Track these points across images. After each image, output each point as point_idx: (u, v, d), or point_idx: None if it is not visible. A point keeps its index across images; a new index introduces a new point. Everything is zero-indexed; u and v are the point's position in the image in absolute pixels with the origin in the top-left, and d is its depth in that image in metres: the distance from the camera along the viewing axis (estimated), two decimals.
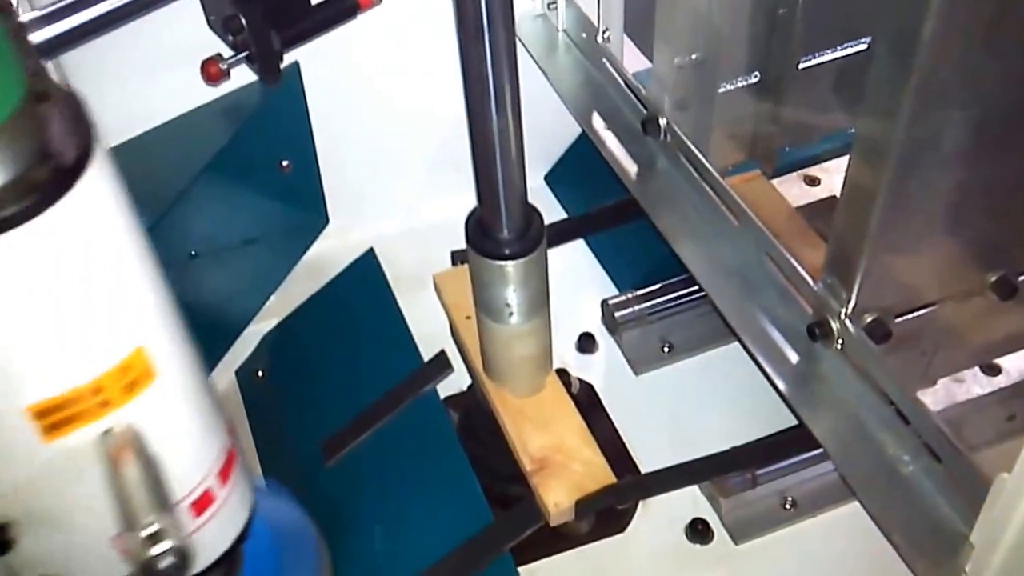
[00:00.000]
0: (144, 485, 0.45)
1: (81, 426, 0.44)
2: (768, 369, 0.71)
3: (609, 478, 0.77)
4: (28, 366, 0.42)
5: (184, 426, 0.49)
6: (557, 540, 0.82)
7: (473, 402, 0.89)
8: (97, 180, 0.41)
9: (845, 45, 0.79)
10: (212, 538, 0.53)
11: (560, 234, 0.97)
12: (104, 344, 0.44)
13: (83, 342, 0.43)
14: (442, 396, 0.91)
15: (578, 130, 1.02)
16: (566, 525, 0.78)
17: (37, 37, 0.71)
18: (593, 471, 0.77)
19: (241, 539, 0.56)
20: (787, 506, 0.81)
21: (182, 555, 0.44)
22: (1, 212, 0.38)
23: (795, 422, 0.79)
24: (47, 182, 0.39)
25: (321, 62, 0.93)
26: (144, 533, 0.44)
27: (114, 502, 0.45)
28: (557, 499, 0.76)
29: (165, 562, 0.44)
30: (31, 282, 0.40)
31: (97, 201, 0.42)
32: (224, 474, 0.53)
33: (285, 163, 0.99)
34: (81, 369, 0.43)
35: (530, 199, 0.72)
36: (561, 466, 0.77)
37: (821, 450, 0.69)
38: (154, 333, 0.46)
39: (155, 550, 0.44)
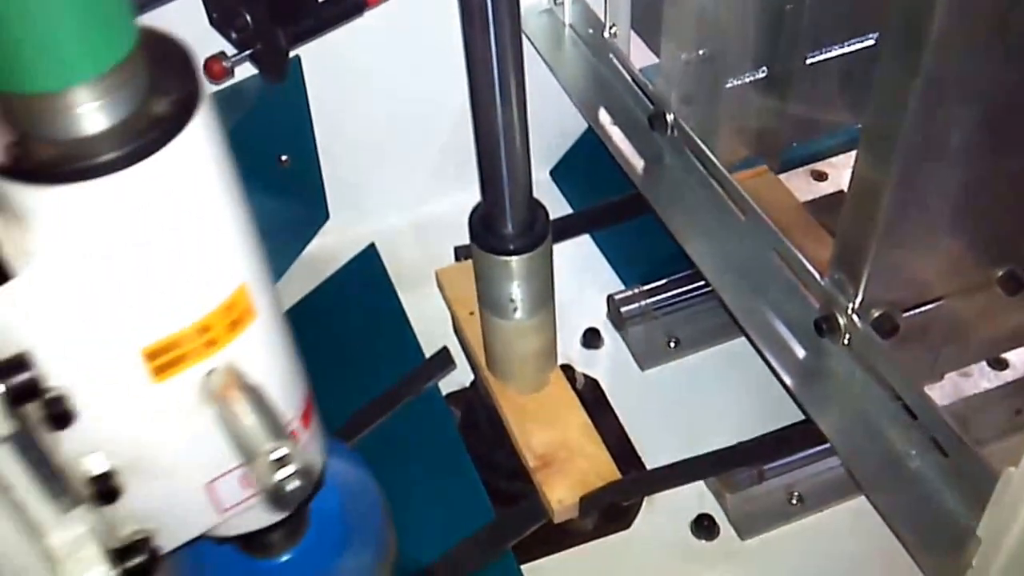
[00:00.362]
0: (259, 415, 0.46)
1: (188, 366, 0.46)
2: (775, 364, 0.72)
3: (614, 474, 0.77)
4: (143, 307, 0.43)
5: (277, 365, 0.51)
6: (560, 537, 0.83)
7: (476, 399, 0.89)
8: (206, 116, 0.43)
9: (853, 41, 0.80)
10: None
11: (565, 229, 0.98)
12: (212, 282, 0.45)
13: (194, 280, 0.45)
14: (444, 392, 0.92)
15: (584, 124, 1.02)
16: (571, 522, 0.79)
17: None
18: (598, 467, 0.78)
19: (316, 488, 0.57)
20: (794, 501, 0.81)
21: (307, 476, 0.45)
22: (125, 147, 0.40)
23: (802, 417, 0.80)
24: (167, 117, 0.41)
25: (322, 56, 0.93)
26: (272, 457, 0.45)
27: (230, 437, 0.47)
28: (561, 496, 0.76)
29: (292, 484, 0.45)
30: (151, 218, 0.42)
31: (207, 137, 0.44)
32: (306, 417, 0.55)
33: (284, 158, 0.99)
34: (191, 308, 0.45)
35: (535, 193, 0.73)
36: (565, 462, 0.78)
37: (828, 444, 0.69)
38: (252, 271, 0.48)
39: (281, 474, 0.45)
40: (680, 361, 0.93)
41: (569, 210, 1.06)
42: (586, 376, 0.92)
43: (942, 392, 0.73)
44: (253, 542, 0.58)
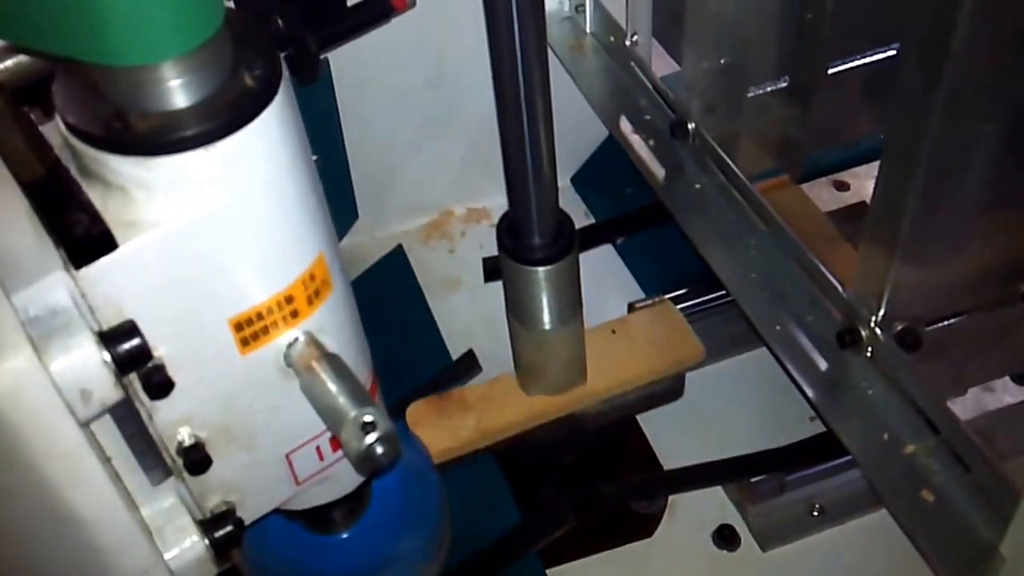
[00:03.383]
0: (344, 382, 0.47)
1: (273, 338, 0.47)
2: (797, 376, 0.71)
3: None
4: (232, 278, 0.45)
5: (351, 337, 0.52)
6: (586, 542, 0.82)
7: None
8: (288, 89, 0.45)
9: (875, 50, 0.78)
10: (341, 476, 0.55)
11: (588, 239, 0.97)
12: (294, 252, 0.47)
13: (278, 250, 0.46)
14: None
15: (605, 131, 1.02)
16: None
17: None
18: (443, 432, 0.81)
19: (367, 482, 0.58)
20: (815, 513, 0.80)
21: (392, 442, 0.46)
22: (220, 118, 0.42)
23: (825, 430, 0.78)
24: (256, 90, 0.44)
25: (351, 58, 0.94)
26: (363, 420, 0.46)
27: (317, 406, 0.48)
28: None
29: (381, 449, 0.46)
30: (243, 188, 0.44)
31: (290, 109, 0.45)
32: (372, 391, 0.56)
33: (315, 157, 1.00)
34: (275, 279, 0.46)
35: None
36: (448, 408, 0.82)
37: (850, 456, 0.68)
38: (328, 242, 0.49)
39: (370, 438, 0.45)
40: (702, 371, 0.90)
41: (590, 217, 1.06)
42: None
43: (964, 407, 0.71)
44: (317, 517, 0.59)
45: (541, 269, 0.72)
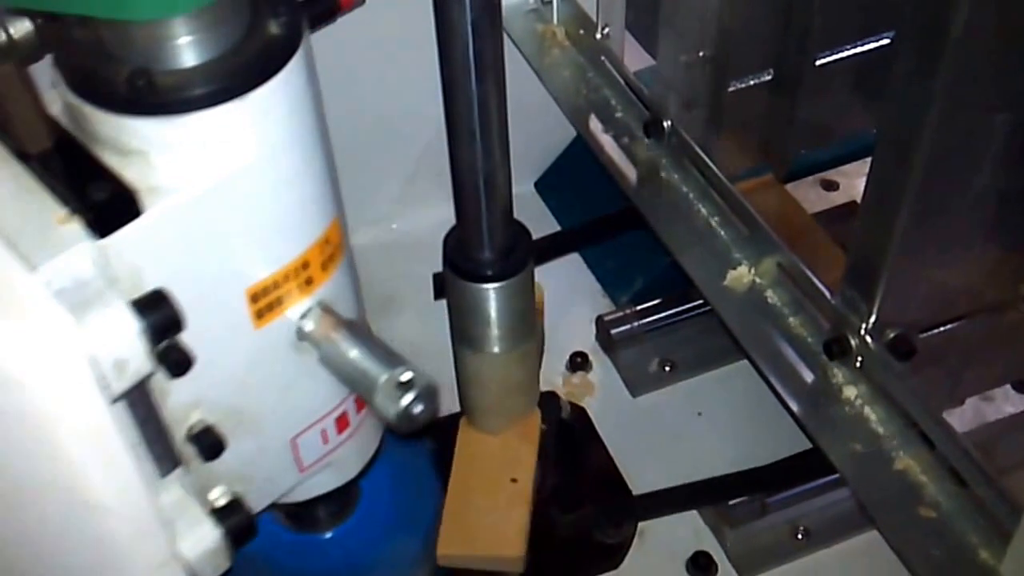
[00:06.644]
0: (371, 345, 0.48)
1: (286, 308, 0.49)
2: (781, 389, 0.71)
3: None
4: (256, 240, 0.46)
5: (356, 313, 0.54)
6: None
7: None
8: (307, 47, 0.47)
9: (867, 40, 0.78)
10: (344, 461, 0.58)
11: (552, 248, 0.97)
12: (311, 215, 0.49)
13: (301, 209, 0.48)
14: None
15: (572, 133, 1.01)
16: None
17: None
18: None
19: (365, 470, 0.60)
20: (799, 536, 0.79)
21: (431, 398, 0.48)
22: (240, 74, 0.43)
23: (809, 446, 0.78)
24: (279, 43, 0.45)
25: None
26: (401, 379, 0.47)
27: (344, 374, 0.49)
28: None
29: (419, 407, 0.48)
30: (265, 145, 0.45)
31: (308, 66, 0.47)
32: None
33: None
34: (293, 243, 0.48)
35: (519, 208, 0.71)
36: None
37: (837, 475, 0.68)
38: (339, 207, 0.52)
39: (408, 397, 0.47)
40: (675, 387, 0.91)
41: (555, 226, 1.05)
42: (572, 404, 0.90)
43: (962, 418, 0.72)
44: (305, 515, 0.61)
45: (491, 286, 0.70)
